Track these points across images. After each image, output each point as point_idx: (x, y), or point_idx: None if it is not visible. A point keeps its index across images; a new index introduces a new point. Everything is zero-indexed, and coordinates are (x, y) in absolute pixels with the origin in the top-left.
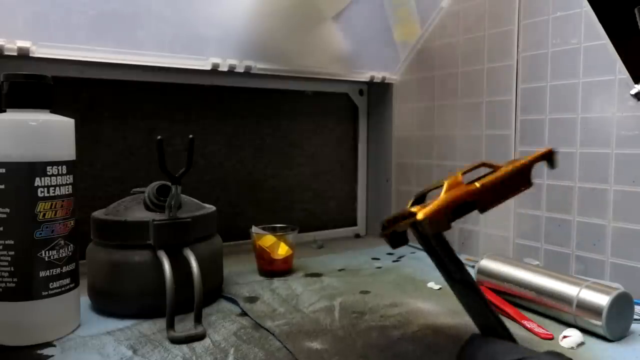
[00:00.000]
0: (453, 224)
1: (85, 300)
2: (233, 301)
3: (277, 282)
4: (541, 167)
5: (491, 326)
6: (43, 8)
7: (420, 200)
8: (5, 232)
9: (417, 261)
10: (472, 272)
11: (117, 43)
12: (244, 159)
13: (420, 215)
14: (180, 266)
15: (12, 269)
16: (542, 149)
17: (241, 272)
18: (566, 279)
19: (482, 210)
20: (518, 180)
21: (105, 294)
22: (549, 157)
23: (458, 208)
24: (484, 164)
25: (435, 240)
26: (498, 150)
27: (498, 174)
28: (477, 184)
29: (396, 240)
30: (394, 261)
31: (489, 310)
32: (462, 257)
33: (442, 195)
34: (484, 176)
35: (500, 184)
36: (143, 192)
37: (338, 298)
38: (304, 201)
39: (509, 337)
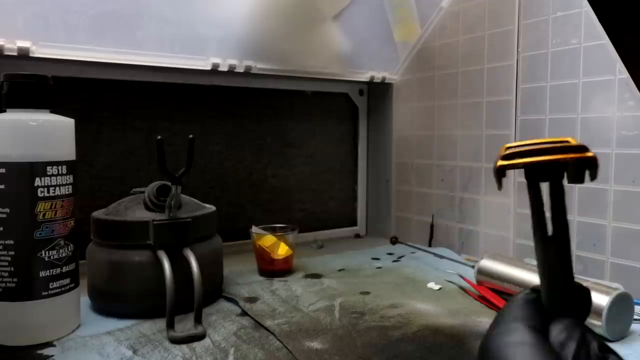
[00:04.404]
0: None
1: (85, 300)
2: (233, 301)
3: (277, 283)
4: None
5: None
6: (43, 8)
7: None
8: (5, 232)
9: (417, 261)
10: (472, 272)
11: (117, 43)
12: (244, 159)
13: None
14: (180, 266)
15: (12, 269)
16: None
17: (241, 272)
18: None
19: None
20: None
21: (105, 294)
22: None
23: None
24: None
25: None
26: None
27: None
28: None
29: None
30: (393, 261)
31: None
32: (462, 257)
33: None
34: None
35: None
36: (143, 192)
37: (338, 298)
38: (304, 201)
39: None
